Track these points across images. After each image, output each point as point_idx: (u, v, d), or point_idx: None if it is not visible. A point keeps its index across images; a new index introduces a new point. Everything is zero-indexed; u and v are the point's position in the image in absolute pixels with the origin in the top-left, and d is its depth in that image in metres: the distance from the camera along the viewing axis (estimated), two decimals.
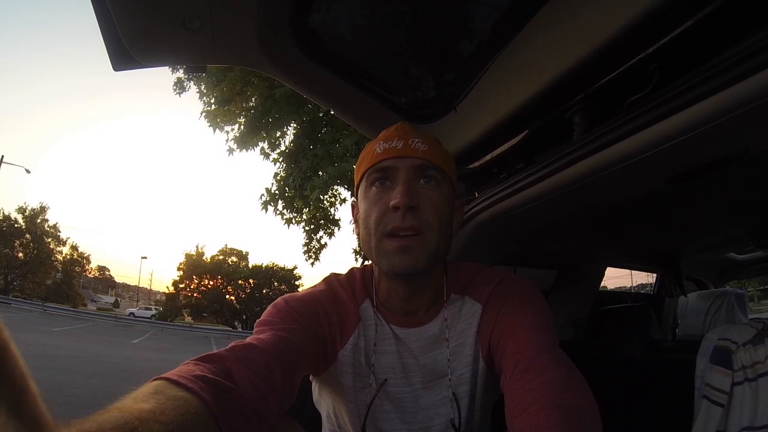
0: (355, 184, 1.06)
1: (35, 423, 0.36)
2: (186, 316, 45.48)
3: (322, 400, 1.12)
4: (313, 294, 1.04)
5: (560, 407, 0.71)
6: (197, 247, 46.91)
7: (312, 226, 8.60)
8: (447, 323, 1.02)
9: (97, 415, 0.51)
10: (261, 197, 8.02)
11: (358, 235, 1.04)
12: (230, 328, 39.58)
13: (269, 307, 0.99)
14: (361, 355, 1.01)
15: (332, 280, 1.09)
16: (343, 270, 1.14)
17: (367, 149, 1.02)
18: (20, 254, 39.43)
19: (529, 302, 0.96)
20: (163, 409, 0.57)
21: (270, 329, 0.89)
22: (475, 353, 0.99)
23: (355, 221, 1.07)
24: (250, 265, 45.17)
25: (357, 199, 1.05)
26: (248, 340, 0.84)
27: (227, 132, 7.98)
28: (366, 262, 1.10)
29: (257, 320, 0.95)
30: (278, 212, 8.17)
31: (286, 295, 1.02)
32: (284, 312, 0.96)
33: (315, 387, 1.14)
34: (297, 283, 44.11)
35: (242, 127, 7.74)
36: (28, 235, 39.57)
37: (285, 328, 0.90)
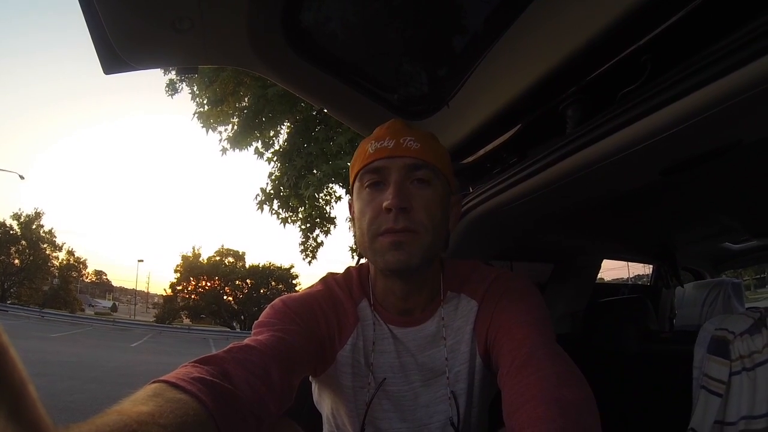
0: (350, 183, 1.06)
1: (34, 427, 0.35)
2: (184, 318, 45.43)
3: (323, 401, 1.12)
4: (311, 294, 1.03)
5: (557, 402, 0.71)
6: (193, 248, 47.03)
7: (308, 225, 8.58)
8: (444, 321, 1.01)
9: (95, 418, 0.51)
10: (256, 197, 8.01)
11: (354, 233, 1.04)
12: (228, 329, 39.55)
13: (267, 309, 0.98)
14: (360, 355, 1.01)
15: (329, 280, 1.09)
16: (340, 268, 1.14)
17: (360, 148, 1.02)
18: (16, 261, 39.30)
19: (525, 298, 0.96)
20: (162, 412, 0.57)
21: (268, 330, 0.88)
22: (472, 350, 0.99)
23: (352, 219, 1.07)
24: (247, 266, 45.21)
25: (352, 197, 1.05)
26: (246, 341, 0.84)
27: (220, 132, 7.97)
28: (362, 260, 1.10)
29: (255, 322, 0.95)
30: (274, 212, 8.16)
31: (284, 296, 1.02)
32: (282, 313, 0.95)
33: (315, 388, 1.13)
34: (294, 282, 44.18)
35: (235, 127, 7.72)
36: (23, 242, 39.44)
37: (283, 329, 0.89)
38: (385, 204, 0.91)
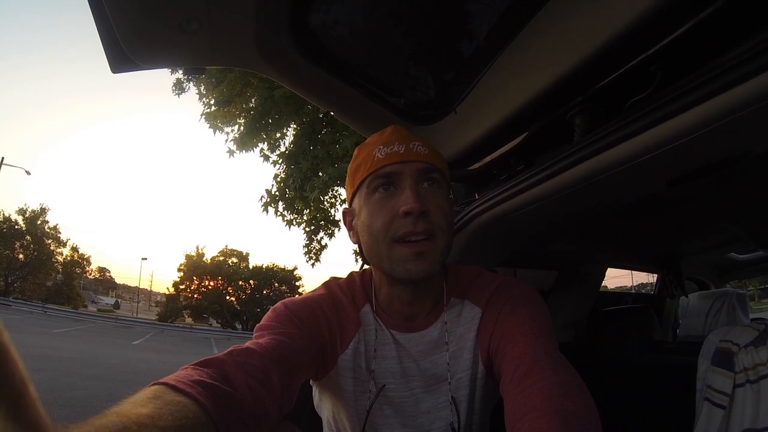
0: (350, 190, 1.04)
1: (34, 426, 0.36)
2: (186, 317, 45.46)
3: (323, 405, 1.12)
4: (313, 299, 1.03)
5: (559, 413, 0.71)
6: (197, 248, 46.90)
7: (312, 227, 8.59)
8: (447, 327, 1.01)
9: (95, 419, 0.51)
10: (261, 198, 8.02)
11: (356, 242, 1.03)
12: (230, 329, 39.57)
13: (269, 312, 0.98)
14: (362, 359, 1.01)
15: (332, 284, 1.09)
16: (344, 271, 1.14)
17: (363, 154, 1.00)
18: (21, 256, 39.38)
19: (528, 306, 0.96)
20: (162, 414, 0.57)
21: (269, 334, 0.88)
22: (474, 357, 0.98)
23: (350, 229, 1.05)
24: (250, 266, 45.18)
25: (352, 206, 1.04)
26: (247, 344, 0.84)
27: (227, 133, 7.99)
28: (365, 266, 1.10)
29: (257, 325, 0.94)
30: (279, 214, 8.17)
31: (286, 300, 1.02)
32: (284, 316, 0.95)
33: (315, 392, 1.13)
34: (297, 283, 44.14)
35: (242, 128, 7.73)
36: (28, 237, 39.52)
37: (284, 333, 0.89)
38: (404, 208, 0.90)
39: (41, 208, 40.67)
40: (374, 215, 0.94)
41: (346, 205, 1.10)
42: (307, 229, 8.61)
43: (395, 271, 0.93)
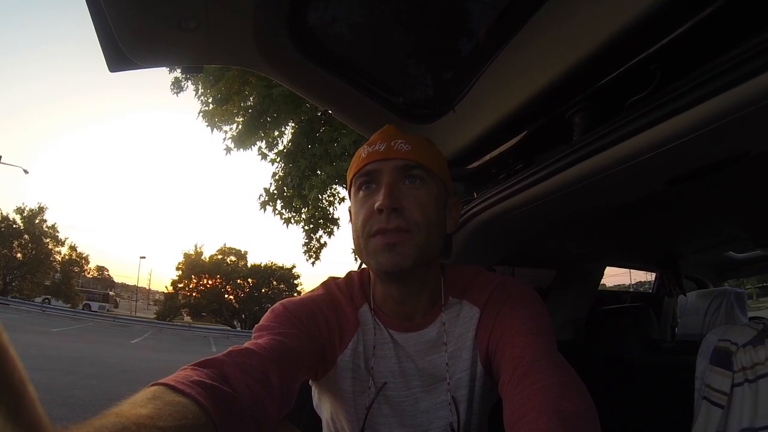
0: (348, 189, 1.07)
1: (33, 427, 0.36)
2: (185, 315, 45.45)
3: (322, 405, 1.12)
4: (312, 299, 1.03)
5: (558, 413, 0.70)
6: (196, 246, 46.96)
7: (311, 226, 8.57)
8: (445, 327, 1.01)
9: (94, 420, 0.51)
10: (259, 197, 8.01)
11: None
12: (229, 327, 39.60)
13: (267, 312, 0.98)
14: (360, 359, 1.01)
15: (330, 284, 1.09)
16: (343, 269, 1.14)
17: (356, 154, 1.04)
18: (19, 255, 39.30)
19: (527, 306, 0.96)
20: (161, 415, 0.57)
21: (268, 334, 0.88)
22: (473, 357, 0.98)
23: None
24: (248, 265, 45.21)
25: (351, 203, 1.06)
26: (246, 345, 0.84)
27: (225, 131, 7.97)
28: (363, 265, 1.10)
29: (256, 325, 0.95)
30: (277, 212, 8.16)
31: (285, 300, 1.02)
32: (283, 317, 0.95)
33: (315, 392, 1.13)
34: (296, 282, 44.18)
35: (240, 126, 7.71)
36: (26, 236, 39.43)
37: (283, 333, 0.89)
38: (376, 205, 0.92)
39: (39, 207, 40.60)
40: (357, 212, 0.98)
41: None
42: (306, 227, 8.59)
43: (371, 264, 0.96)
